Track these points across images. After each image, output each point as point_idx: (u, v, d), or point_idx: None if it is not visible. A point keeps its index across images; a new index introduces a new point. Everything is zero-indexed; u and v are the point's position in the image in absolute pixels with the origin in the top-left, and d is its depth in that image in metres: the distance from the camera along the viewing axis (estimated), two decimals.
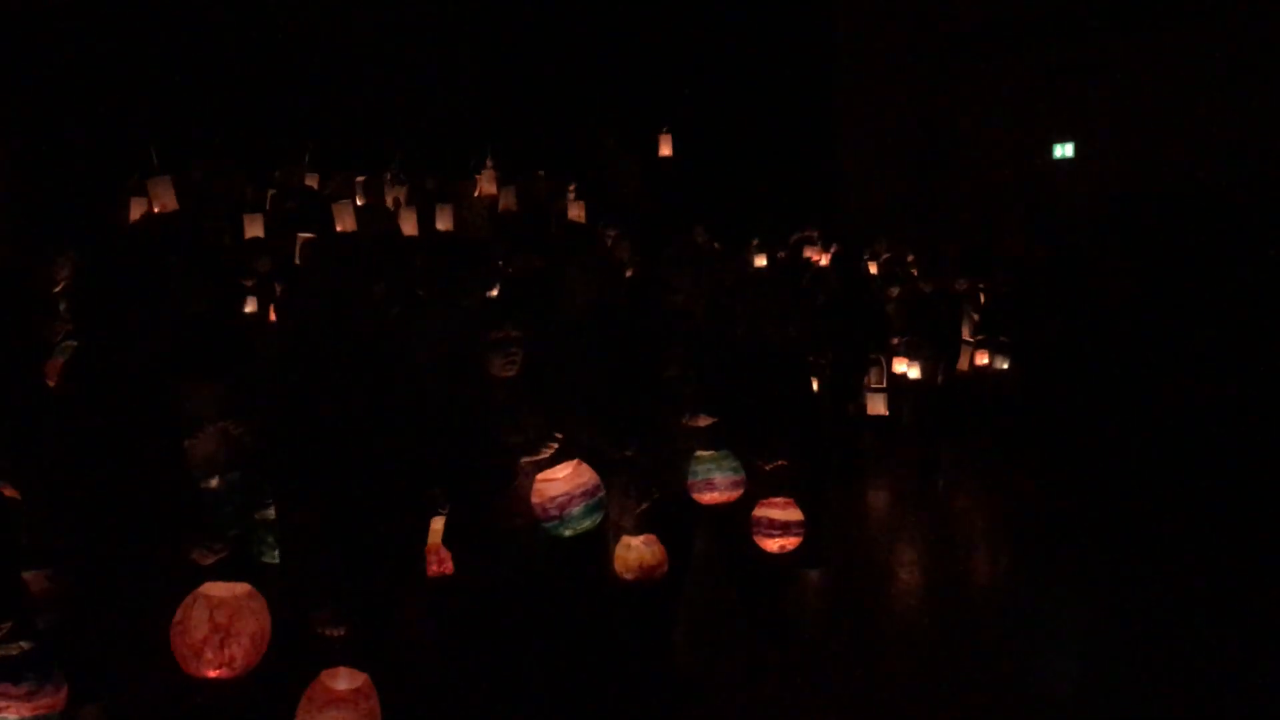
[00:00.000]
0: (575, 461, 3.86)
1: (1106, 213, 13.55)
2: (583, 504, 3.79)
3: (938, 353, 8.59)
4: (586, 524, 3.83)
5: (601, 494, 3.89)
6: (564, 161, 8.31)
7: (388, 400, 3.67)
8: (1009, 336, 8.93)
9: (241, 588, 3.21)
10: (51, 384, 4.01)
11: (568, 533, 3.80)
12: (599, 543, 4.14)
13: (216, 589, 3.19)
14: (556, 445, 3.88)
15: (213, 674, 3.12)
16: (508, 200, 7.13)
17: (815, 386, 7.36)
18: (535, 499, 3.80)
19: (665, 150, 8.09)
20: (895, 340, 8.73)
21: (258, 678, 3.22)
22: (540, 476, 3.82)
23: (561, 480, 3.79)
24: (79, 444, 3.34)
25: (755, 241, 8.94)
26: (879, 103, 15.63)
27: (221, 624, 3.10)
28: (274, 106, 9.82)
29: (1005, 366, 8.88)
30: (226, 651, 3.09)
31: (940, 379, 8.61)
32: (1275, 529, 6.69)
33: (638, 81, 12.27)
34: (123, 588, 3.25)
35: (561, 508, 3.76)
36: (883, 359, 8.53)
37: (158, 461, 3.37)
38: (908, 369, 8.55)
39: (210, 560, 3.29)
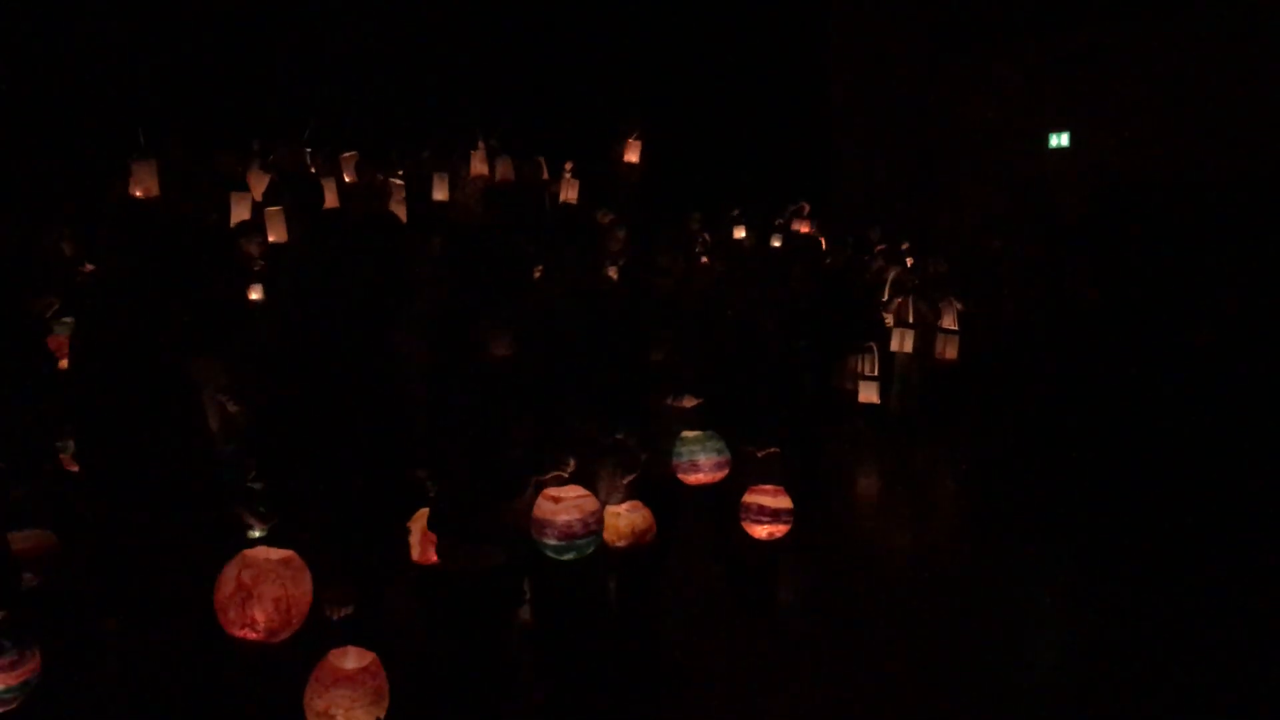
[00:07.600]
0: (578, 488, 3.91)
1: (1102, 202, 13.55)
2: (594, 534, 3.87)
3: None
4: (590, 550, 3.90)
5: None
6: (561, 144, 8.23)
7: (378, 385, 3.70)
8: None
9: (279, 553, 3.25)
10: (53, 358, 4.06)
11: (570, 556, 3.84)
12: None
13: (256, 552, 3.24)
14: (570, 469, 3.94)
15: (238, 633, 3.17)
16: (504, 171, 7.03)
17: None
18: (551, 516, 3.81)
19: (631, 156, 7.69)
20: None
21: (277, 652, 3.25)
22: (549, 494, 3.86)
23: (578, 504, 3.84)
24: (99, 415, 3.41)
25: (736, 212, 8.81)
26: (875, 91, 15.59)
27: (246, 584, 3.15)
28: (268, 86, 9.77)
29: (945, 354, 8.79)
30: (249, 612, 3.13)
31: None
32: (1264, 522, 6.73)
33: (637, 68, 12.24)
34: (170, 550, 3.30)
35: (581, 530, 3.81)
36: (874, 346, 8.52)
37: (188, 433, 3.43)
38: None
39: (263, 528, 3.33)
